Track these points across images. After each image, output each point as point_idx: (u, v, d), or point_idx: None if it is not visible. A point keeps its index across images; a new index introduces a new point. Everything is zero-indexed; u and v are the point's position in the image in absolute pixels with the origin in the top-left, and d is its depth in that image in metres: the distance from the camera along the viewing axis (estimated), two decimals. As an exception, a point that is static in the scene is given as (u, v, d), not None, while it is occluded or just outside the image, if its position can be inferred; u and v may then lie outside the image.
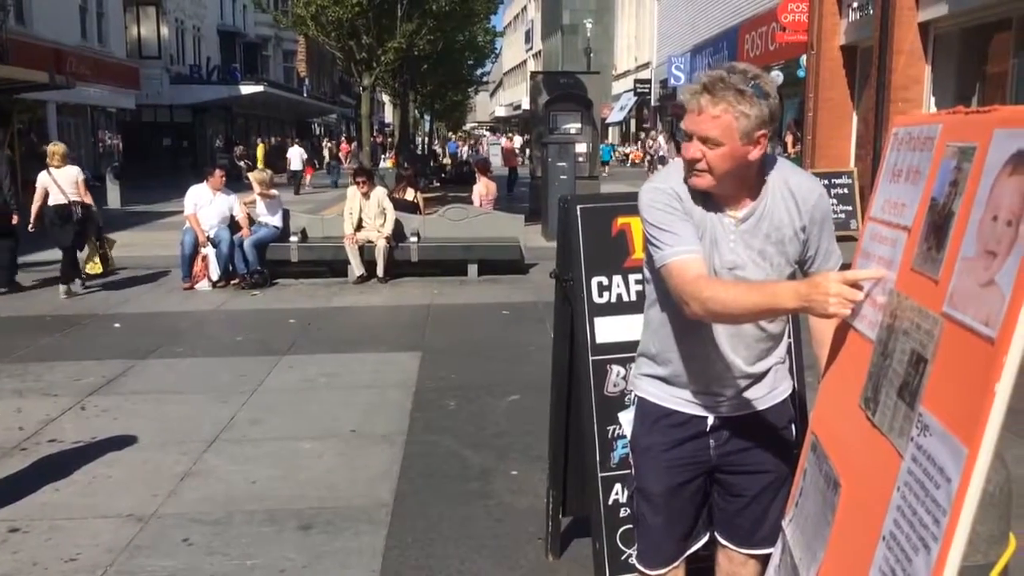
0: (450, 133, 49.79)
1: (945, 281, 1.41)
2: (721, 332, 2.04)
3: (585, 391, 2.84)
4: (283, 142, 44.20)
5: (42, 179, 9.05)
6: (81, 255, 9.43)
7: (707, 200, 1.99)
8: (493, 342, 6.92)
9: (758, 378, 2.11)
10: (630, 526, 2.71)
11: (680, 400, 2.13)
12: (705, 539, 2.24)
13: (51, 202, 8.98)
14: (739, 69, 1.88)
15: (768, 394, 2.14)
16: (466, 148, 37.11)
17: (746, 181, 1.97)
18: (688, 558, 2.22)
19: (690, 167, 1.94)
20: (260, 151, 31.49)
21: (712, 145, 1.88)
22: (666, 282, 1.97)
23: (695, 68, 25.50)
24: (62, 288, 8.94)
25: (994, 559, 1.76)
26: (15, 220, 9.10)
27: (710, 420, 2.12)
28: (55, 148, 9.29)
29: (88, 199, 9.33)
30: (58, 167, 9.11)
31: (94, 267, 9.63)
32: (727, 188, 1.96)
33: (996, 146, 1.35)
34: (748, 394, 2.11)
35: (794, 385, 2.28)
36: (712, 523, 2.23)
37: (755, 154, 1.91)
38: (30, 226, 9.03)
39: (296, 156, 26.20)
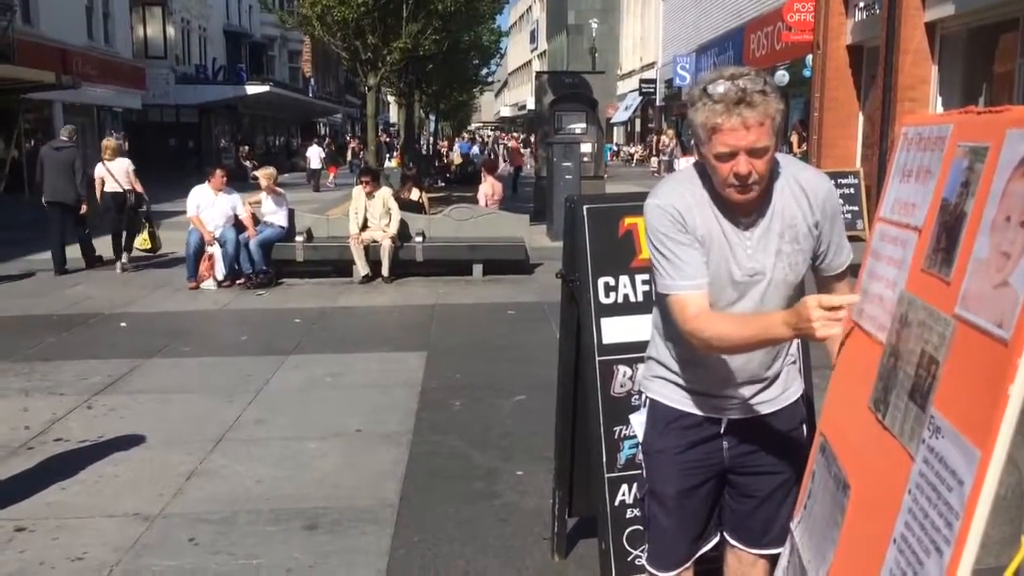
0: (454, 135, 49.69)
1: (957, 282, 1.40)
2: None
3: (592, 391, 2.84)
4: (289, 142, 44.33)
5: (98, 171, 10.41)
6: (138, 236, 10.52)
7: (715, 206, 1.96)
8: (499, 342, 6.92)
9: (771, 380, 2.10)
10: (637, 527, 2.70)
11: (693, 403, 2.12)
12: (715, 540, 2.23)
13: (107, 189, 10.37)
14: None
15: (780, 395, 2.13)
16: (476, 147, 37.16)
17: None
18: (696, 559, 2.22)
19: (742, 183, 1.86)
20: (240, 154, 31.62)
21: (760, 154, 1.84)
22: (667, 309, 1.99)
23: (700, 68, 25.45)
24: (118, 264, 10.36)
25: (1006, 562, 1.74)
26: (84, 210, 10.30)
27: (723, 422, 2.11)
28: (107, 143, 10.74)
29: (139, 187, 10.54)
30: (110, 159, 10.41)
31: (145, 242, 10.50)
32: None
33: (1009, 146, 1.34)
34: (761, 396, 2.10)
35: (804, 386, 2.27)
36: (722, 524, 2.22)
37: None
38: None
39: (315, 155, 26.54)
